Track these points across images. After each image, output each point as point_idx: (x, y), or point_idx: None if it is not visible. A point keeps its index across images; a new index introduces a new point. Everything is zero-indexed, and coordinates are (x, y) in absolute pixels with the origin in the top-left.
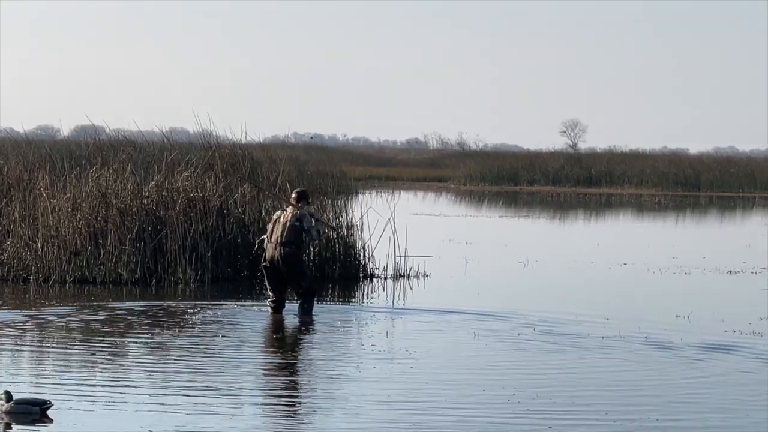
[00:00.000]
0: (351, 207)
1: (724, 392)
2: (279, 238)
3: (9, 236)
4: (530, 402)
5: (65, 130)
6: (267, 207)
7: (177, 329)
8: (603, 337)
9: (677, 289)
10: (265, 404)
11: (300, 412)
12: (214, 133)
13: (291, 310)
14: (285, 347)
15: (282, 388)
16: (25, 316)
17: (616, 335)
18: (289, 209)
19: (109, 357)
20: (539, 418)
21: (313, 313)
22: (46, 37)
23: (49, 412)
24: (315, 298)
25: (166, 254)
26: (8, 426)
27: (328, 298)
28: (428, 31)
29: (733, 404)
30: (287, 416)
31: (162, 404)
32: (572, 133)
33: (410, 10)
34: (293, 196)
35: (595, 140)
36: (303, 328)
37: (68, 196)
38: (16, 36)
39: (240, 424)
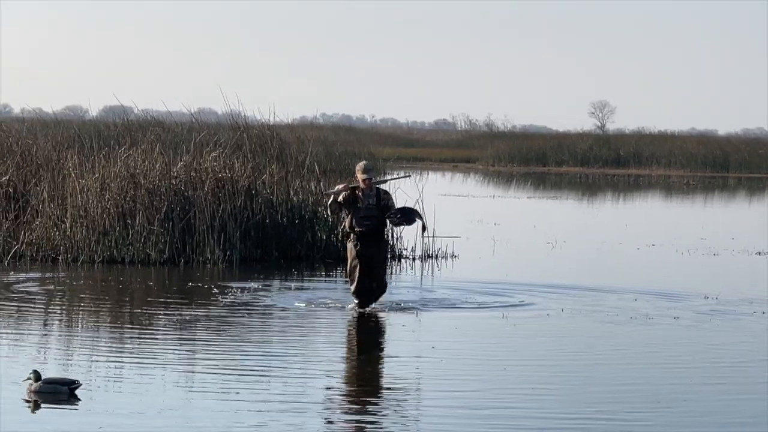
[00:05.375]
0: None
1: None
2: None
3: (38, 216)
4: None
5: (94, 110)
6: (295, 187)
7: (205, 309)
8: (631, 318)
9: (706, 270)
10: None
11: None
12: (242, 114)
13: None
14: (326, 334)
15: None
16: (55, 294)
17: (644, 315)
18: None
19: (137, 336)
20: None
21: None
22: (74, 17)
23: (78, 392)
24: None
25: (195, 234)
26: (37, 405)
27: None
28: (457, 11)
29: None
30: (317, 404)
31: (191, 384)
32: (601, 114)
33: None
34: None
35: (624, 121)
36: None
37: (97, 176)
38: (43, 16)
39: (267, 413)
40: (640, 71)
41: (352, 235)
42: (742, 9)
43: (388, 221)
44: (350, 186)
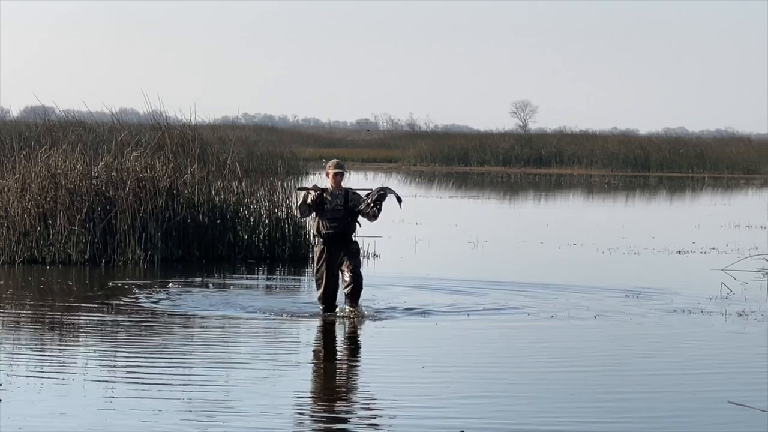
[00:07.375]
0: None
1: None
2: None
3: None
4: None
5: (15, 111)
6: (217, 187)
7: (126, 310)
8: (552, 316)
9: (626, 269)
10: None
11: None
12: (163, 114)
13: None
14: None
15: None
16: None
17: (564, 313)
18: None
19: (58, 337)
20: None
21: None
22: None
23: None
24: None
25: (116, 235)
26: None
27: (277, 277)
28: (378, 11)
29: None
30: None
31: (112, 385)
32: (522, 114)
33: None
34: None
35: (546, 121)
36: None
37: (17, 176)
38: None
39: (189, 412)
40: (562, 71)
41: (318, 238)
42: (662, 7)
43: (367, 215)
44: (320, 188)
